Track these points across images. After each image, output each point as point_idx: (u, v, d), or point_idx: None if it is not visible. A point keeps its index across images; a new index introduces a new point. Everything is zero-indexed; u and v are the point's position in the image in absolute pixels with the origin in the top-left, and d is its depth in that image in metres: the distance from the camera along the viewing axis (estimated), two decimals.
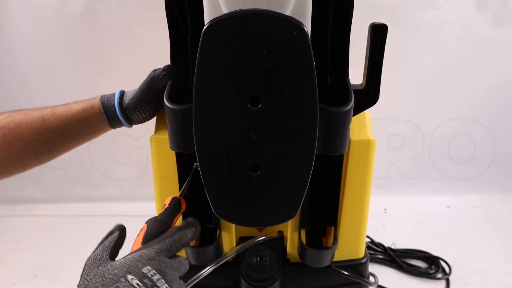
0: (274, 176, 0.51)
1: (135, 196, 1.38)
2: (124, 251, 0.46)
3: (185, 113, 0.51)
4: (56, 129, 0.62)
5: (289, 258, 0.75)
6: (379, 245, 1.11)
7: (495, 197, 1.39)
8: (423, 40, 1.24)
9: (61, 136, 0.63)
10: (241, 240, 0.74)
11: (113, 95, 0.64)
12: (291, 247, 0.74)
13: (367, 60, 0.57)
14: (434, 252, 1.09)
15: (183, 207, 0.56)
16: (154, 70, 0.61)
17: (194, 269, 0.66)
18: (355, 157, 0.65)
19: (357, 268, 0.76)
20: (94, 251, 0.45)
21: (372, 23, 0.55)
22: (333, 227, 0.70)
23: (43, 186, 1.43)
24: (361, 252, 0.76)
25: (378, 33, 0.55)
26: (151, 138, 0.65)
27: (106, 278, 0.39)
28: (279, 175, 0.51)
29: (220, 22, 0.43)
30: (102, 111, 0.63)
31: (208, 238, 0.72)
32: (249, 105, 0.46)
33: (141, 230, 0.49)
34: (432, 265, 1.06)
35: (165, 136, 0.62)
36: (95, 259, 0.43)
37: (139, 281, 0.38)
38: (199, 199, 0.63)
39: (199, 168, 0.52)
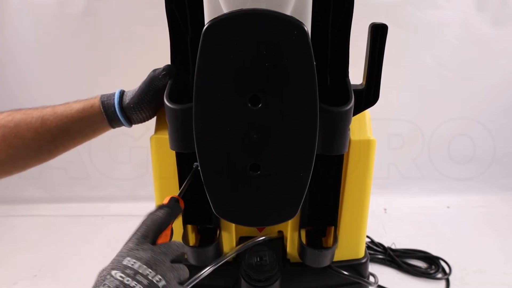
0: (274, 176, 0.51)
1: (135, 196, 1.38)
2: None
3: (185, 113, 0.51)
4: (56, 128, 0.62)
5: (289, 258, 0.75)
6: (379, 245, 1.11)
7: (495, 197, 1.39)
8: (423, 40, 1.24)
9: (61, 136, 0.63)
10: (241, 240, 0.74)
11: (113, 94, 0.64)
12: (291, 247, 0.74)
13: (367, 60, 0.57)
14: (434, 252, 1.09)
15: (182, 207, 0.56)
16: (154, 70, 0.61)
17: (194, 269, 0.66)
18: (355, 157, 0.65)
19: (357, 268, 0.76)
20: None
21: (372, 23, 0.55)
22: (333, 227, 0.70)
23: (43, 186, 1.42)
24: (361, 252, 0.76)
25: (378, 33, 0.55)
26: (151, 138, 0.65)
27: (98, 278, 0.41)
28: (279, 175, 0.51)
29: (221, 21, 0.43)
30: (102, 110, 0.63)
31: (208, 238, 0.72)
32: (249, 105, 0.46)
33: None
34: (432, 265, 1.06)
35: (165, 136, 0.62)
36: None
37: (122, 273, 0.40)
38: (199, 199, 0.63)
39: (199, 168, 0.52)
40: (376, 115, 0.72)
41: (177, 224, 0.68)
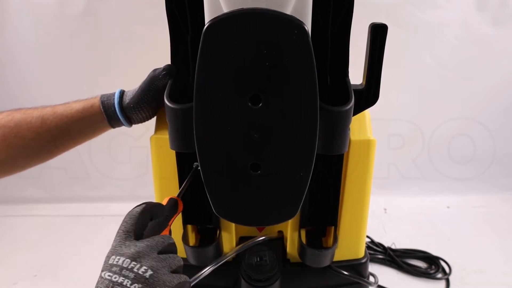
0: (274, 175, 0.51)
1: (135, 196, 1.37)
2: None
3: (185, 113, 0.51)
4: (56, 128, 0.62)
5: (289, 258, 0.75)
6: (379, 245, 1.11)
7: (495, 197, 1.39)
8: (423, 40, 1.24)
9: (61, 135, 0.63)
10: (241, 240, 0.74)
11: (113, 94, 0.64)
12: (291, 247, 0.74)
13: (367, 60, 0.57)
14: (434, 252, 1.09)
15: (180, 208, 0.56)
16: (154, 70, 0.61)
17: (194, 269, 0.66)
18: (355, 157, 0.65)
19: (357, 268, 0.76)
20: None
21: (372, 23, 0.55)
22: (333, 227, 0.70)
23: (43, 186, 1.42)
24: (361, 252, 0.76)
25: (378, 33, 0.55)
26: (151, 138, 0.65)
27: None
28: (280, 174, 0.51)
29: (221, 21, 0.43)
30: (102, 110, 0.63)
31: (208, 238, 0.72)
32: (249, 104, 0.46)
33: None
34: (432, 265, 1.06)
35: (165, 136, 0.62)
36: None
37: (109, 272, 0.41)
38: (199, 199, 0.63)
39: (199, 168, 0.52)
40: (376, 115, 0.72)
41: (177, 224, 0.69)
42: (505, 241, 1.16)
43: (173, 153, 0.63)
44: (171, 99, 0.54)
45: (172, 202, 0.55)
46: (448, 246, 1.13)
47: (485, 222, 1.26)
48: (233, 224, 0.71)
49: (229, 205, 0.54)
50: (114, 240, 0.45)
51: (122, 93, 0.64)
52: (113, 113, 0.63)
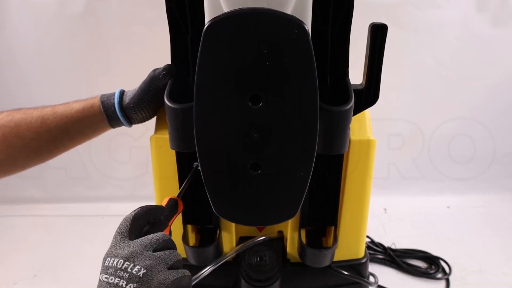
0: (274, 175, 0.51)
1: (135, 196, 1.38)
2: None
3: (185, 112, 0.51)
4: (56, 128, 0.62)
5: (289, 258, 0.75)
6: (379, 245, 1.11)
7: (495, 197, 1.39)
8: (423, 40, 1.24)
9: (61, 135, 0.63)
10: (241, 240, 0.74)
11: (113, 94, 0.64)
12: (291, 247, 0.74)
13: (367, 60, 0.57)
14: (434, 252, 1.09)
15: (180, 208, 0.56)
16: (154, 70, 0.61)
17: (194, 269, 0.66)
18: (355, 157, 0.65)
19: (357, 268, 0.76)
20: None
21: (372, 23, 0.55)
22: (333, 227, 0.70)
23: (43, 186, 1.42)
24: (361, 252, 0.76)
25: (378, 33, 0.55)
26: (151, 138, 0.65)
27: None
28: (280, 174, 0.51)
29: (221, 21, 0.43)
30: (102, 110, 0.63)
31: (208, 238, 0.72)
32: (249, 104, 0.46)
33: None
34: (432, 265, 1.06)
35: (165, 136, 0.62)
36: None
37: (106, 274, 0.41)
38: (199, 199, 0.63)
39: (199, 168, 0.52)
40: (376, 115, 0.72)
41: (177, 224, 0.69)
42: (505, 241, 1.16)
43: (173, 153, 0.63)
44: (171, 99, 0.54)
45: (172, 202, 0.55)
46: (448, 246, 1.13)
47: (485, 222, 1.26)
48: (233, 224, 0.71)
49: (229, 205, 0.54)
50: (110, 243, 0.45)
51: (122, 93, 0.64)
52: (113, 113, 0.63)
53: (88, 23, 1.21)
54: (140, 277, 0.41)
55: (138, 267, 0.41)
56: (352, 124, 0.56)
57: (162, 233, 0.47)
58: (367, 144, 0.64)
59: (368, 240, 1.12)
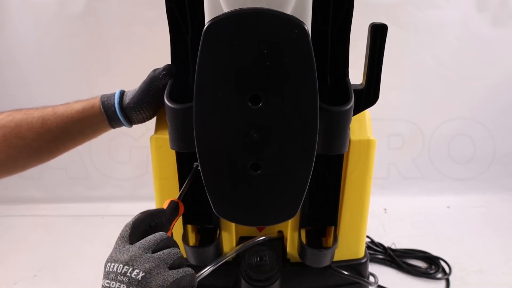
0: (274, 175, 0.51)
1: (135, 196, 1.38)
2: None
3: (185, 113, 0.51)
4: (57, 128, 0.62)
5: (289, 258, 0.75)
6: (379, 245, 1.11)
7: (495, 197, 1.39)
8: (423, 40, 1.24)
9: (61, 136, 0.63)
10: (241, 240, 0.74)
11: (113, 94, 0.64)
12: (291, 247, 0.74)
13: (367, 60, 0.57)
14: (434, 252, 1.09)
15: (181, 211, 0.56)
16: (154, 70, 0.61)
17: (194, 269, 0.66)
18: (355, 157, 0.65)
19: (357, 268, 0.76)
20: None
21: (372, 23, 0.55)
22: (333, 227, 0.70)
23: (43, 186, 1.42)
24: (361, 252, 0.76)
25: (378, 33, 0.55)
26: (151, 138, 0.65)
27: None
28: (280, 174, 0.51)
29: (221, 21, 0.43)
30: (102, 110, 0.63)
31: (208, 238, 0.72)
32: (249, 104, 0.46)
33: None
34: (432, 265, 1.06)
35: (165, 136, 0.62)
36: None
37: (107, 279, 0.42)
38: (199, 199, 0.63)
39: (199, 168, 0.52)
40: (376, 115, 0.72)
41: (177, 224, 0.68)
42: (505, 241, 1.16)
43: (173, 153, 0.63)
44: (171, 99, 0.54)
45: (173, 205, 0.55)
46: (448, 246, 1.13)
47: (485, 222, 1.26)
48: (233, 224, 0.71)
49: (229, 205, 0.54)
50: (112, 249, 0.46)
51: (122, 93, 0.64)
52: (114, 113, 0.63)
53: (88, 23, 1.21)
54: (139, 281, 0.41)
55: (137, 270, 0.42)
56: (352, 124, 0.56)
57: (161, 233, 0.47)
58: (367, 144, 0.64)
59: (368, 240, 1.12)
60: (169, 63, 0.62)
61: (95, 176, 1.41)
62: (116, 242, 0.46)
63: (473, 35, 1.24)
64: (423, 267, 1.06)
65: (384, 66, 0.57)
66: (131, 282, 0.41)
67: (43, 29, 1.22)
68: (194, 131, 0.49)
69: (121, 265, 0.42)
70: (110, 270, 0.42)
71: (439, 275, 1.03)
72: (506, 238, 1.18)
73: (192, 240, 0.72)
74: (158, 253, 0.45)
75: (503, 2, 1.20)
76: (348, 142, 0.57)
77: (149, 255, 0.44)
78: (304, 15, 0.49)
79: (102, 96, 0.64)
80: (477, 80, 1.30)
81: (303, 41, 0.44)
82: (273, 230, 0.75)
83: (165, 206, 0.54)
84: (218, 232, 0.71)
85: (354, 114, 0.55)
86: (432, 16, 1.21)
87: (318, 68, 0.46)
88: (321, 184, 0.66)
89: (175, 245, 0.48)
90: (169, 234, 0.51)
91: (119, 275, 0.42)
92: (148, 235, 0.47)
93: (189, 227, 0.71)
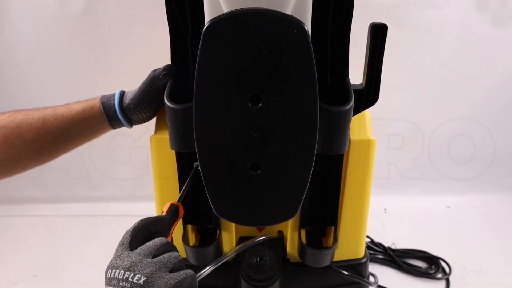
0: (274, 175, 0.51)
1: (135, 196, 1.38)
2: None
3: (185, 113, 0.51)
4: (57, 129, 0.62)
5: (289, 258, 0.75)
6: (379, 245, 1.11)
7: (495, 197, 1.39)
8: (423, 40, 1.24)
9: (61, 137, 0.63)
10: (241, 240, 0.74)
11: (113, 95, 0.64)
12: (291, 247, 0.74)
13: (367, 60, 0.57)
14: (434, 252, 1.09)
15: (181, 214, 0.56)
16: (154, 70, 0.61)
17: (194, 269, 0.66)
18: (355, 157, 0.65)
19: (357, 268, 0.76)
20: None
21: (372, 23, 0.55)
22: (333, 227, 0.70)
23: (43, 186, 1.42)
24: (361, 252, 0.76)
25: (378, 33, 0.55)
26: (151, 138, 0.65)
27: None
28: (280, 174, 0.51)
29: (221, 21, 0.43)
30: (103, 111, 0.63)
31: (208, 238, 0.72)
32: (249, 104, 0.46)
33: None
34: (432, 265, 1.06)
35: (165, 136, 0.62)
36: None
37: (109, 286, 0.42)
38: (199, 199, 0.63)
39: (199, 168, 0.52)
40: (376, 115, 0.72)
41: (177, 224, 0.68)
42: (505, 241, 1.16)
43: (173, 153, 0.63)
44: (171, 99, 0.54)
45: (173, 209, 0.55)
46: (448, 246, 1.13)
47: (485, 222, 1.26)
48: (233, 224, 0.71)
49: (229, 205, 0.54)
50: (113, 256, 0.46)
51: (122, 94, 0.64)
52: (114, 114, 0.63)
53: (88, 23, 1.21)
54: (141, 285, 0.41)
55: (138, 275, 0.42)
56: (352, 124, 0.56)
57: (160, 238, 0.47)
58: (367, 144, 0.64)
59: (368, 240, 1.12)
60: (169, 63, 0.62)
61: (95, 176, 1.41)
62: (117, 249, 0.46)
63: (473, 35, 1.24)
64: (423, 267, 1.06)
65: (384, 66, 0.57)
66: (133, 287, 0.41)
67: (43, 29, 1.22)
68: (194, 131, 0.49)
69: (122, 271, 0.42)
70: (112, 276, 0.42)
71: (439, 275, 1.03)
72: (506, 238, 1.18)
73: (192, 240, 0.72)
74: (159, 257, 0.45)
75: (503, 2, 1.20)
76: (348, 142, 0.57)
77: (150, 260, 0.44)
78: (304, 15, 0.49)
79: (102, 97, 0.64)
80: (477, 80, 1.30)
81: (303, 41, 0.44)
82: (273, 230, 0.75)
83: (165, 209, 0.54)
84: (218, 232, 0.71)
85: (354, 114, 0.55)
86: (432, 16, 1.21)
87: (318, 68, 0.46)
88: (321, 184, 0.66)
89: (174, 249, 0.48)
90: (169, 239, 0.52)
91: (121, 281, 0.42)
92: (148, 241, 0.47)
93: (189, 227, 0.71)
